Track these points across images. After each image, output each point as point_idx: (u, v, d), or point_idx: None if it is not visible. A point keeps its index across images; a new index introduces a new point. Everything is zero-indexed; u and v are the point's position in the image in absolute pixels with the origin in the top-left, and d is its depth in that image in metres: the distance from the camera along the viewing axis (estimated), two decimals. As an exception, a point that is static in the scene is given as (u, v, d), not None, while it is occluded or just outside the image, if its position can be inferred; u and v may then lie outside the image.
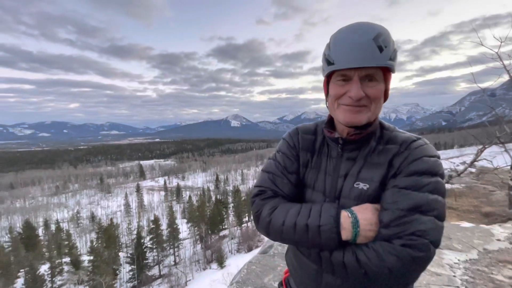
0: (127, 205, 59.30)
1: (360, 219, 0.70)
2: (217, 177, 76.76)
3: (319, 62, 0.85)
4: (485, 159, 8.71)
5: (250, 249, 28.17)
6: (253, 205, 0.87)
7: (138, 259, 28.25)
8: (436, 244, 0.65)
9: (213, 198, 49.04)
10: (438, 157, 0.72)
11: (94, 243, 27.22)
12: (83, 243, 41.14)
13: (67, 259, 29.99)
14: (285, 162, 0.90)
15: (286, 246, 1.03)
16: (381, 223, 0.68)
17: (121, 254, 31.87)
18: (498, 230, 4.51)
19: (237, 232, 35.63)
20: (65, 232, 35.89)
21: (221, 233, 38.46)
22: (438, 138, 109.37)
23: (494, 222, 5.47)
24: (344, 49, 0.69)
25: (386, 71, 0.73)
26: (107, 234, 31.49)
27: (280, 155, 0.92)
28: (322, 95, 0.88)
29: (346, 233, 0.69)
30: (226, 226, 40.87)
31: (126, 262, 29.32)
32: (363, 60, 0.67)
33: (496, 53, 6.09)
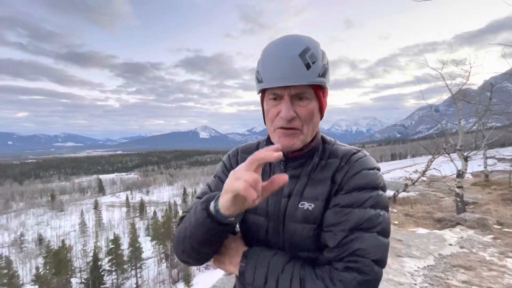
0: (82, 224, 54.18)
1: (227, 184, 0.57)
2: (184, 191, 73.89)
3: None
4: (434, 168, 9.61)
5: (219, 265, 27.23)
6: (176, 232, 0.77)
7: (94, 284, 25.69)
8: (380, 263, 0.60)
9: (180, 213, 46.94)
10: (378, 169, 0.70)
11: (40, 270, 24.10)
12: (26, 271, 36.39)
13: (5, 291, 26.09)
14: (217, 187, 0.84)
15: None
16: (326, 247, 0.65)
17: (73, 280, 28.83)
18: (450, 235, 4.89)
19: (206, 248, 34.26)
20: (4, 258, 31.37)
21: (189, 250, 36.75)
22: (394, 149, 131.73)
23: (445, 227, 5.93)
24: (271, 66, 0.66)
25: (318, 88, 0.69)
26: (57, 258, 28.14)
27: (213, 180, 0.87)
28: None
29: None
30: (193, 242, 39.25)
31: (80, 289, 26.41)
32: (289, 79, 0.63)
33: (440, 73, 6.84)
